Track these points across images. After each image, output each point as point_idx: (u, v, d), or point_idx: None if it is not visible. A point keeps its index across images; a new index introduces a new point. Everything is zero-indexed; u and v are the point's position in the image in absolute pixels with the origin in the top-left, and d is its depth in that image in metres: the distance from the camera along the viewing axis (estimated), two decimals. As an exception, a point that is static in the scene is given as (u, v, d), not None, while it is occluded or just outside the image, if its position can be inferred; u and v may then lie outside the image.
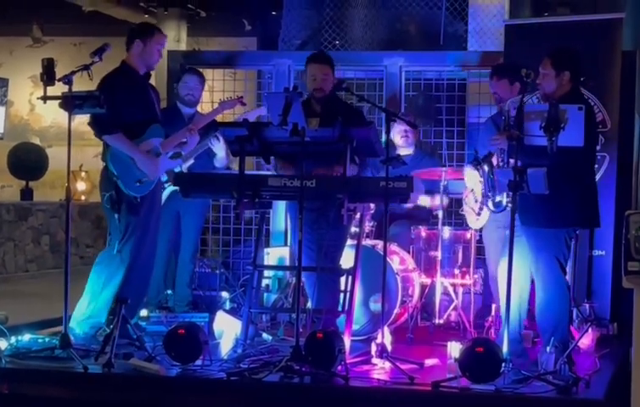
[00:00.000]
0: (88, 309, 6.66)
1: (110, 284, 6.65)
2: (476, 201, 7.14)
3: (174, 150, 6.94)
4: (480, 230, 7.48)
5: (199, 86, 7.79)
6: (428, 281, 7.70)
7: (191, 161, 7.52)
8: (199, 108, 7.99)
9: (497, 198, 6.44)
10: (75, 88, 6.19)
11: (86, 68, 6.37)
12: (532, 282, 6.36)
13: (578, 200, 6.14)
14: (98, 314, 6.69)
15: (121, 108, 6.54)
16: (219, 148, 7.50)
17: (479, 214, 7.14)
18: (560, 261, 6.17)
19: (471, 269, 7.71)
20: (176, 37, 16.60)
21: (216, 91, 9.18)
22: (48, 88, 6.11)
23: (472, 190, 7.22)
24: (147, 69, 6.88)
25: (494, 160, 6.48)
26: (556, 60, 6.21)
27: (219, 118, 7.74)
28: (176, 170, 7.42)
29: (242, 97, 7.84)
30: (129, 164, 6.61)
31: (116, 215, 6.60)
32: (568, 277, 6.48)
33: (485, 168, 6.63)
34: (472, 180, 7.07)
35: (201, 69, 8.19)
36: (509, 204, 5.92)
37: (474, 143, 8.91)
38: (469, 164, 7.12)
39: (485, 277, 7.85)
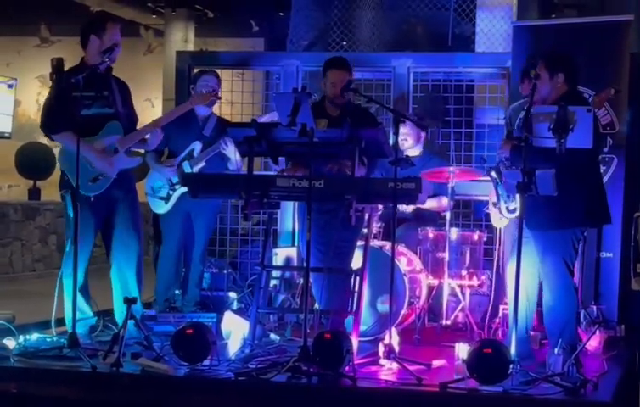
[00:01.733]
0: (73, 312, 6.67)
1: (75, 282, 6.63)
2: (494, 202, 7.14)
3: (137, 146, 6.91)
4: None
5: (217, 87, 7.78)
6: (435, 282, 7.70)
7: (202, 164, 7.52)
8: (215, 110, 7.98)
9: (512, 205, 6.46)
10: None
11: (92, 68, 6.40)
12: (540, 284, 6.36)
13: (584, 200, 6.14)
14: (83, 313, 6.73)
15: (74, 106, 6.31)
16: (231, 152, 7.49)
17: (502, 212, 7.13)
18: (567, 263, 6.16)
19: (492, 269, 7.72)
20: (183, 38, 16.64)
21: (223, 92, 9.16)
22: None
23: None
24: (110, 63, 6.73)
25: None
26: (549, 63, 6.23)
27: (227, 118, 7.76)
28: (187, 170, 7.44)
29: (215, 91, 7.76)
30: (81, 162, 6.47)
31: (70, 215, 6.49)
32: (576, 279, 6.48)
33: (494, 174, 6.64)
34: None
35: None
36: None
37: (482, 144, 8.94)
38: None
39: (492, 278, 7.83)
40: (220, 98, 7.77)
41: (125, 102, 6.90)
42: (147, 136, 6.92)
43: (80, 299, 6.68)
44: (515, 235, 6.90)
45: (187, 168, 7.49)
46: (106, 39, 6.69)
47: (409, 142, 8.20)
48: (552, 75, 6.19)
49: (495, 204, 7.02)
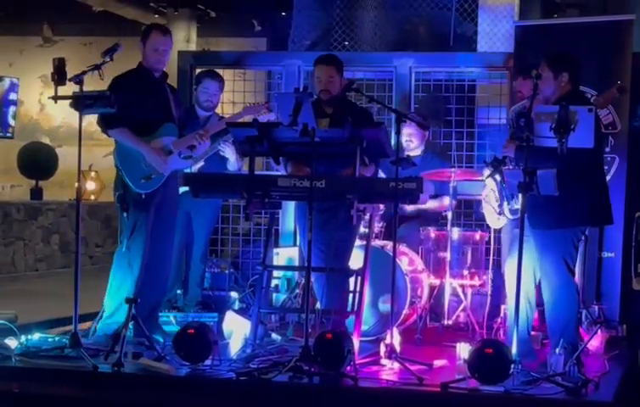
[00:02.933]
0: (109, 310, 6.72)
1: (125, 283, 6.67)
2: (497, 200, 7.15)
3: (186, 152, 6.96)
4: (499, 230, 7.50)
5: (219, 92, 7.80)
6: (437, 282, 7.70)
7: (201, 163, 7.53)
8: (217, 110, 7.97)
9: (515, 206, 6.46)
10: (86, 88, 6.20)
11: (97, 67, 6.38)
12: (539, 284, 6.36)
13: (586, 200, 6.13)
14: (116, 313, 6.71)
15: (130, 105, 6.53)
16: (229, 152, 7.51)
17: (500, 213, 7.14)
18: (568, 262, 6.16)
19: (486, 268, 7.73)
20: (186, 38, 16.65)
21: (225, 92, 9.18)
22: (59, 88, 6.12)
23: (492, 189, 7.23)
24: (151, 70, 6.86)
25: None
26: (553, 63, 6.23)
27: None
28: (186, 170, 7.45)
29: (268, 102, 7.83)
30: (135, 160, 6.64)
31: (125, 214, 6.65)
32: (577, 279, 6.48)
33: (497, 177, 6.64)
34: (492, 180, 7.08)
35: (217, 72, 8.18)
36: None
37: (483, 144, 8.95)
38: (490, 166, 7.13)
39: (494, 278, 7.84)
40: (271, 110, 7.76)
41: (177, 106, 7.01)
42: (195, 144, 7.01)
43: (122, 299, 6.70)
44: (514, 234, 6.94)
45: None
46: (148, 45, 6.82)
47: (414, 143, 8.20)
48: (557, 75, 6.19)
49: (498, 206, 7.03)
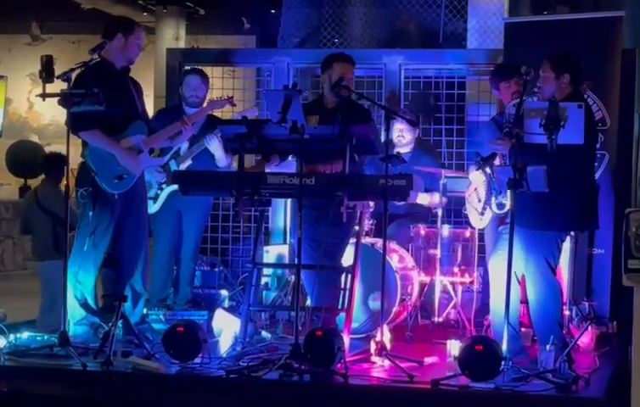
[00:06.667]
0: (81, 310, 6.64)
1: (89, 281, 6.62)
2: (479, 200, 7.15)
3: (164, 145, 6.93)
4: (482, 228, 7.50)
5: (202, 85, 7.72)
6: (427, 279, 7.70)
7: (189, 162, 7.49)
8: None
9: (502, 200, 6.45)
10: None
11: (85, 65, 6.36)
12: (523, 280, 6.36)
13: (574, 203, 6.14)
14: (92, 311, 6.68)
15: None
16: (215, 148, 7.45)
17: (482, 213, 7.14)
18: (550, 263, 6.17)
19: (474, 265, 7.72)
20: (174, 35, 16.64)
21: (215, 89, 9.17)
22: (47, 86, 6.07)
23: (476, 189, 7.23)
24: (127, 64, 6.75)
25: (497, 161, 6.49)
26: (555, 63, 6.21)
27: (218, 115, 7.76)
28: (173, 168, 7.41)
29: (232, 97, 7.79)
30: (108, 160, 6.52)
31: (90, 212, 6.51)
32: (567, 276, 6.55)
33: (487, 170, 6.63)
34: (477, 179, 7.09)
35: (199, 67, 8.16)
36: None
37: (473, 141, 8.94)
38: (474, 165, 7.13)
39: (484, 275, 7.84)
40: (234, 104, 7.71)
41: (141, 100, 6.91)
42: (180, 132, 6.98)
43: (92, 299, 6.66)
44: (497, 232, 6.95)
45: (173, 166, 7.47)
46: (132, 39, 6.72)
47: (406, 138, 8.16)
48: (559, 75, 6.18)
49: (486, 202, 7.03)
